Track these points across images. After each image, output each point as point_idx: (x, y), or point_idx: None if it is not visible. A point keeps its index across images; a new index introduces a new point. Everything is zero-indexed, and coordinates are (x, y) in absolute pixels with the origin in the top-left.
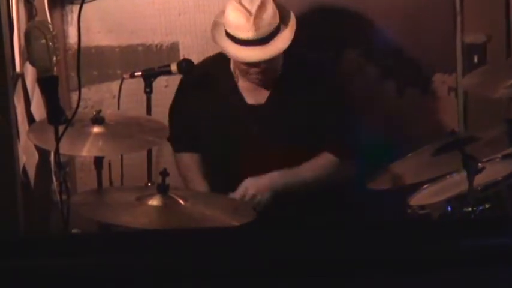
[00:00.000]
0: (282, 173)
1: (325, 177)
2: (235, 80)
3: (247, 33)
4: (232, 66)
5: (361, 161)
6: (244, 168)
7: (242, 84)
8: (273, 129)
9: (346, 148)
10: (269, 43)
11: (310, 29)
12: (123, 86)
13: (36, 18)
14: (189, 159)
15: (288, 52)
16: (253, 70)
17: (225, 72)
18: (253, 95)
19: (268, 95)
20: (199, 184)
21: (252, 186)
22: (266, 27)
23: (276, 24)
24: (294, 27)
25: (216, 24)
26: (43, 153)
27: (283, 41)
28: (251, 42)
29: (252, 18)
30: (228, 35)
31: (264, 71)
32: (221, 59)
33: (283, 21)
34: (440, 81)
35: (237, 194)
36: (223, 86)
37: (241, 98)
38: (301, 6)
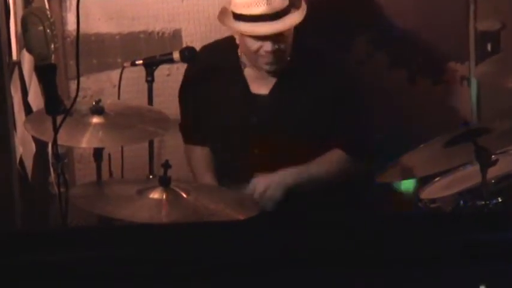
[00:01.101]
0: (292, 170)
1: (336, 174)
2: (242, 67)
3: (259, 8)
4: (239, 52)
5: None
6: (250, 161)
7: (248, 71)
8: (275, 121)
9: (360, 147)
10: (281, 19)
11: (318, 15)
12: (123, 75)
13: (34, 4)
14: (199, 153)
15: (296, 42)
16: (264, 50)
17: (232, 58)
18: (258, 84)
19: (272, 85)
20: (208, 182)
21: (262, 184)
22: (278, 3)
23: (287, 3)
24: (305, 8)
25: (223, 11)
26: (40, 145)
27: (295, 17)
28: (263, 17)
29: None
30: (238, 16)
31: (275, 52)
32: (229, 44)
33: (294, 5)
34: (453, 70)
35: (247, 192)
36: (228, 73)
37: (245, 86)
38: None
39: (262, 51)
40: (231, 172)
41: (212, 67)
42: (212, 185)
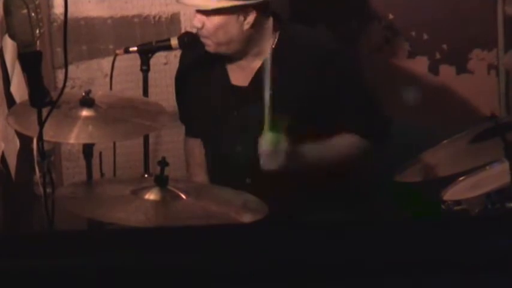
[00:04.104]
0: (314, 146)
1: (353, 157)
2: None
3: None
4: None
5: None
6: (240, 157)
7: (229, 63)
8: (257, 115)
9: (371, 127)
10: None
11: None
12: (116, 63)
13: None
14: (193, 145)
15: (282, 30)
16: (199, 31)
17: None
18: (238, 75)
19: (252, 76)
20: (198, 176)
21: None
22: None
23: None
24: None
25: None
26: (25, 140)
27: (219, 3)
28: None
29: None
30: None
31: (200, 30)
32: None
33: None
34: (479, 58)
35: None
36: (213, 63)
37: (226, 78)
38: None
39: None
40: (222, 169)
41: (202, 56)
42: (213, 184)
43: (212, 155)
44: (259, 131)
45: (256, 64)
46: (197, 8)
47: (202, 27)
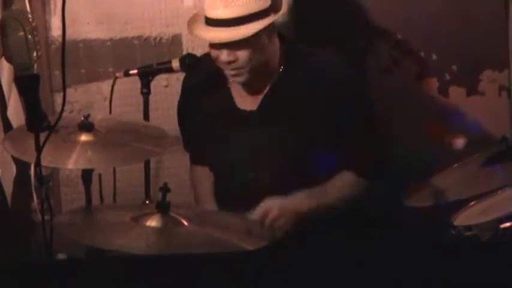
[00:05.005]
0: (303, 196)
1: (347, 199)
2: (228, 80)
3: (215, 12)
4: None
5: (395, 175)
6: (249, 186)
7: (234, 85)
8: (268, 141)
9: (371, 166)
10: (240, 26)
11: (335, 16)
12: (115, 87)
13: (13, 7)
14: (200, 174)
15: (289, 49)
16: (221, 60)
17: (219, 71)
18: (245, 99)
19: (260, 100)
20: (207, 204)
21: (275, 207)
22: (237, 7)
23: (257, 9)
24: (276, 16)
25: (195, 17)
26: (22, 166)
27: (254, 26)
28: (219, 22)
29: None
30: (205, 19)
31: (232, 63)
32: None
33: (266, 12)
34: (490, 80)
35: (256, 215)
36: (217, 87)
37: (231, 102)
38: None
39: (220, 61)
40: (230, 197)
41: (204, 79)
42: (216, 210)
43: (221, 182)
44: (271, 156)
45: (264, 86)
46: (231, 40)
47: (236, 59)
